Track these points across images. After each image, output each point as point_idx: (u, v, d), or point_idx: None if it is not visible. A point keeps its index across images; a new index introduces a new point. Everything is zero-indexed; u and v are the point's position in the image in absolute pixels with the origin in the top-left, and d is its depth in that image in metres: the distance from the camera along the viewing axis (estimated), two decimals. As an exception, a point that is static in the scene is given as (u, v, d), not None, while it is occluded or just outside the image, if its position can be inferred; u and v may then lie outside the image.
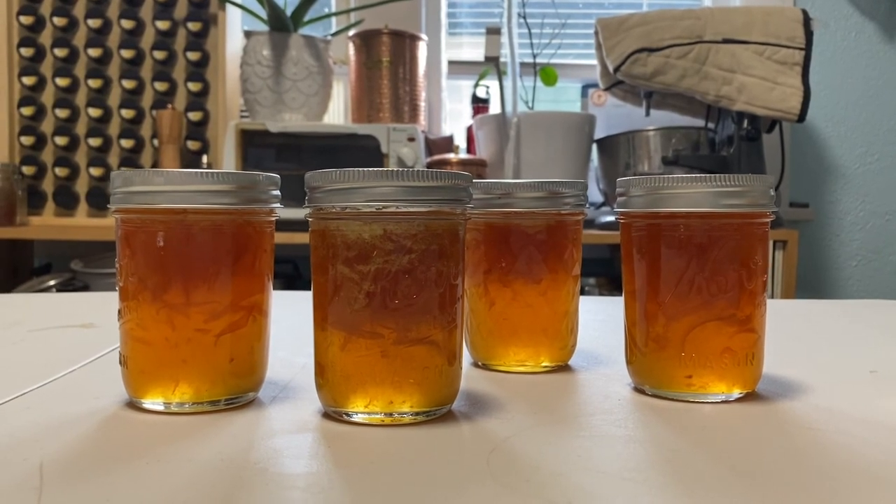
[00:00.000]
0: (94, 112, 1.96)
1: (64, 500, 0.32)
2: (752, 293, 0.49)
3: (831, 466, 0.37)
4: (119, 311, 0.47)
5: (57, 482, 0.34)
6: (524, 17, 2.09)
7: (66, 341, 0.69)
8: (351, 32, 2.03)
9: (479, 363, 0.59)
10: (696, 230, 0.48)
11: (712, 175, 0.47)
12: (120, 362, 0.47)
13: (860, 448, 0.40)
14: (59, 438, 0.40)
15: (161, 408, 0.45)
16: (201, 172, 0.44)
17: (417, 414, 0.44)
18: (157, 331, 0.45)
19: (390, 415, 0.43)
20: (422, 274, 0.43)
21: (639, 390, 0.51)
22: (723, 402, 0.48)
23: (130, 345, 0.46)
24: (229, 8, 1.98)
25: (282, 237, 1.61)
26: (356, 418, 0.43)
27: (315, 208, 0.44)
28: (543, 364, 0.58)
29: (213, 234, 0.45)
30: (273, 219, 0.49)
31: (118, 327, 0.47)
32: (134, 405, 0.46)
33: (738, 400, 0.49)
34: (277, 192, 0.49)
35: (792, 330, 0.78)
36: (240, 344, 0.46)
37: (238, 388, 0.47)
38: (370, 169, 0.42)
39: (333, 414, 0.44)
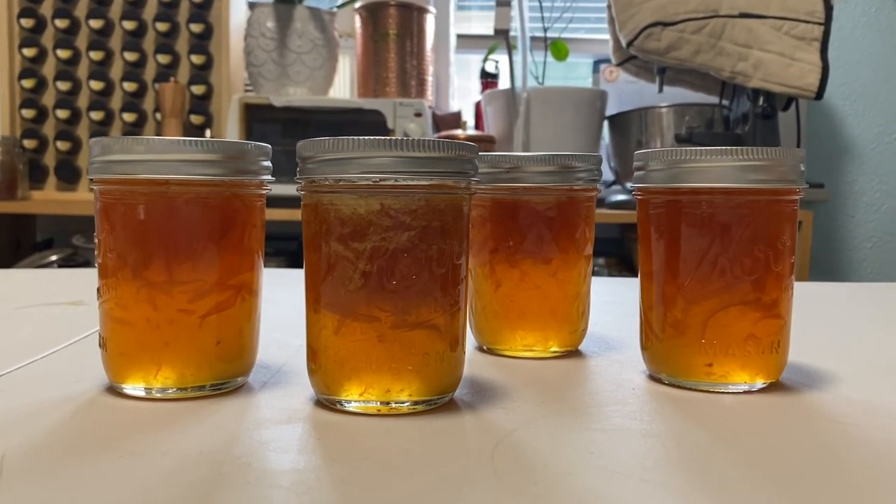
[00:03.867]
0: (96, 85, 1.92)
1: (22, 498, 0.29)
2: (779, 276, 0.45)
3: (867, 465, 0.34)
4: (98, 290, 0.44)
5: (18, 476, 0.31)
6: (535, -10, 2.03)
7: (53, 319, 0.66)
8: (357, 4, 1.98)
9: (484, 347, 0.56)
10: (720, 207, 0.44)
11: (738, 148, 0.43)
12: (99, 344, 0.44)
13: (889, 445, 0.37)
14: (29, 427, 0.37)
15: (142, 393, 0.42)
16: (186, 141, 0.41)
17: (416, 403, 0.40)
18: (138, 311, 0.42)
19: (387, 404, 0.40)
20: (422, 253, 0.39)
21: (655, 379, 0.48)
22: (745, 392, 0.45)
23: (110, 326, 0.43)
24: (233, -22, 1.93)
25: (285, 213, 1.58)
26: (350, 407, 0.40)
27: (307, 180, 0.41)
28: (552, 349, 0.54)
29: (198, 207, 0.42)
30: (264, 192, 0.46)
31: (97, 307, 0.44)
32: (114, 390, 0.43)
33: (761, 390, 0.45)
34: (268, 163, 0.45)
35: (814, 314, 0.75)
36: (227, 325, 0.43)
37: (225, 373, 0.44)
38: (366, 138, 0.38)
39: (326, 402, 0.41)
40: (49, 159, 1.95)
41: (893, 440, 0.37)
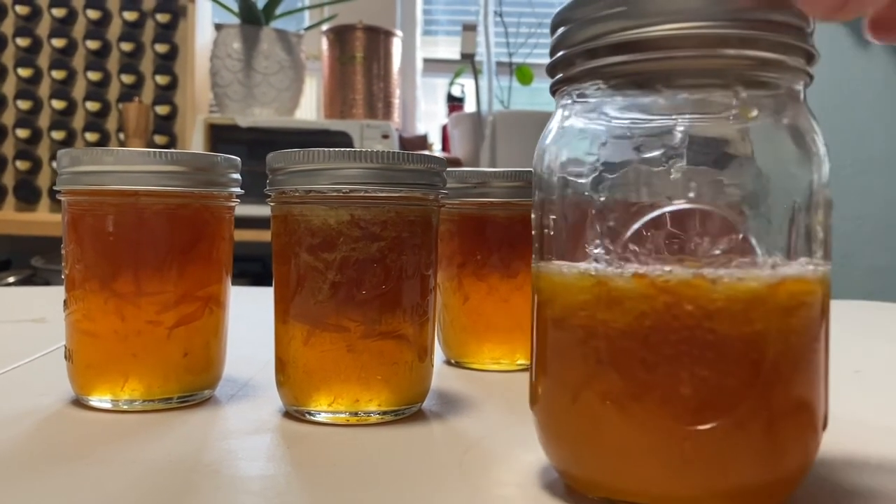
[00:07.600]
0: (58, 104, 1.90)
1: (-12, 507, 0.29)
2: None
3: (821, 469, 0.35)
4: (64, 302, 0.43)
5: (-18, 486, 0.31)
6: (500, 16, 2.06)
7: (15, 336, 0.65)
8: (324, 27, 1.99)
9: (452, 361, 0.57)
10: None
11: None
12: (65, 357, 0.44)
13: (850, 450, 0.38)
14: (-8, 438, 0.37)
15: (109, 405, 0.42)
16: (155, 152, 0.41)
17: (385, 413, 0.41)
18: (105, 322, 0.42)
19: (356, 414, 0.40)
20: (391, 263, 0.40)
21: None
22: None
23: (76, 338, 0.43)
24: (199, 0, 1.93)
25: (249, 234, 1.57)
26: (319, 418, 0.40)
27: (277, 191, 0.41)
28: (519, 362, 0.55)
29: (166, 218, 0.42)
30: (232, 204, 0.46)
31: (63, 319, 0.43)
32: (80, 403, 0.43)
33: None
34: (237, 176, 0.46)
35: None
36: (195, 337, 0.43)
37: (192, 385, 0.43)
38: (336, 149, 0.39)
39: (295, 413, 0.41)
40: (8, 179, 1.91)
41: (844, 444, 0.39)
